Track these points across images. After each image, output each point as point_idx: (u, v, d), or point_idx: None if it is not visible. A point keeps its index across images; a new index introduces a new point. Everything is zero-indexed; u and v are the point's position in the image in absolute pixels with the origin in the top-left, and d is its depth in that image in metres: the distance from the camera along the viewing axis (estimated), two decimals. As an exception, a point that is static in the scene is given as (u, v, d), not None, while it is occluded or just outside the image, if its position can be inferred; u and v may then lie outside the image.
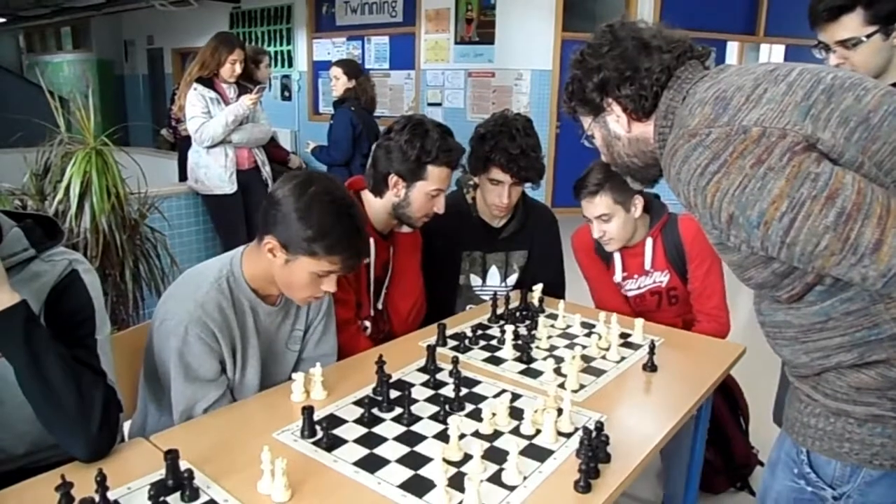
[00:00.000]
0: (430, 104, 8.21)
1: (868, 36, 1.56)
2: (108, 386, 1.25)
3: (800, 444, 1.10)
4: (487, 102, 7.65)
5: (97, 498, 1.02)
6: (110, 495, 1.06)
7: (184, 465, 1.14)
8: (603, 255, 2.23)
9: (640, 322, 1.88)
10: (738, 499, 2.42)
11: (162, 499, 1.07)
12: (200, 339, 1.39)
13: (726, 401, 2.36)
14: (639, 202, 2.07)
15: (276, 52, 9.83)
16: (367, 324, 2.01)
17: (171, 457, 1.13)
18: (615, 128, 1.19)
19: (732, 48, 8.02)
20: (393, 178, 1.87)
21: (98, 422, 1.19)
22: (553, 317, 1.99)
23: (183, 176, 4.09)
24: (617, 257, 2.18)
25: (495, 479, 1.18)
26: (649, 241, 2.14)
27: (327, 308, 1.68)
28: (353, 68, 4.36)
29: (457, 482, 1.14)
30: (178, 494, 1.10)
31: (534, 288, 2.11)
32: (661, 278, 2.17)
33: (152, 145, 7.97)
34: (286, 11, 9.56)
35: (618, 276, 2.20)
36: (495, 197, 2.10)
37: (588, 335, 1.87)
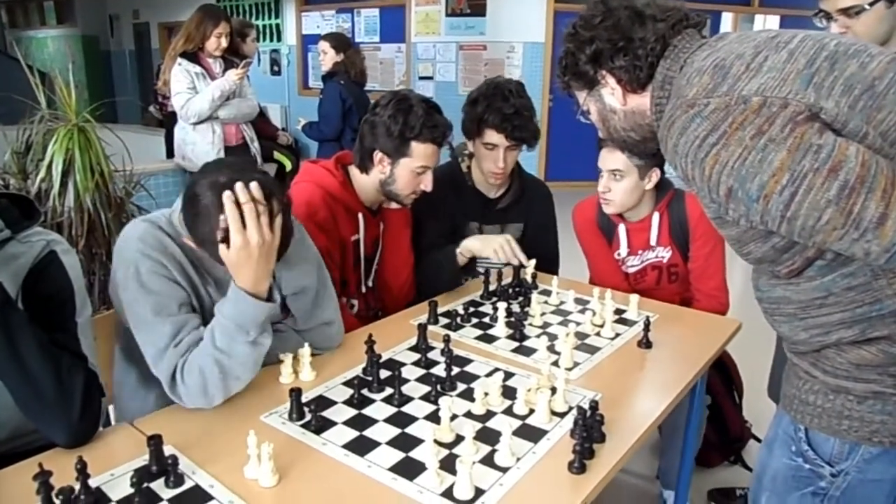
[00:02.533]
0: (421, 78, 8.11)
1: (871, 3, 1.51)
2: (88, 370, 1.21)
3: (798, 421, 1.08)
4: (479, 76, 7.55)
5: (77, 486, 0.99)
6: (92, 482, 1.03)
7: (168, 450, 1.11)
8: (605, 230, 2.19)
9: (635, 298, 1.85)
10: (731, 472, 2.42)
11: (145, 485, 1.03)
12: (154, 272, 1.31)
13: (720, 375, 2.35)
14: (655, 175, 2.03)
15: (264, 26, 9.67)
16: (354, 302, 1.98)
17: (155, 442, 1.10)
18: (610, 101, 1.16)
19: (727, 19, 7.94)
20: (378, 155, 1.83)
21: (79, 407, 1.16)
22: (546, 293, 1.96)
23: (171, 153, 4.02)
24: (622, 232, 2.15)
25: (488, 460, 1.15)
26: (656, 216, 2.10)
27: (318, 272, 1.57)
28: (341, 42, 4.27)
29: (448, 464, 1.12)
30: (161, 481, 1.07)
31: (526, 264, 2.08)
32: (664, 254, 2.14)
33: (140, 122, 7.86)
34: (274, -17, 9.40)
35: (622, 250, 2.16)
36: (491, 162, 2.06)
37: (582, 312, 1.84)
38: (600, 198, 2.08)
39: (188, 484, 1.08)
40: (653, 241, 2.12)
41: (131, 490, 1.02)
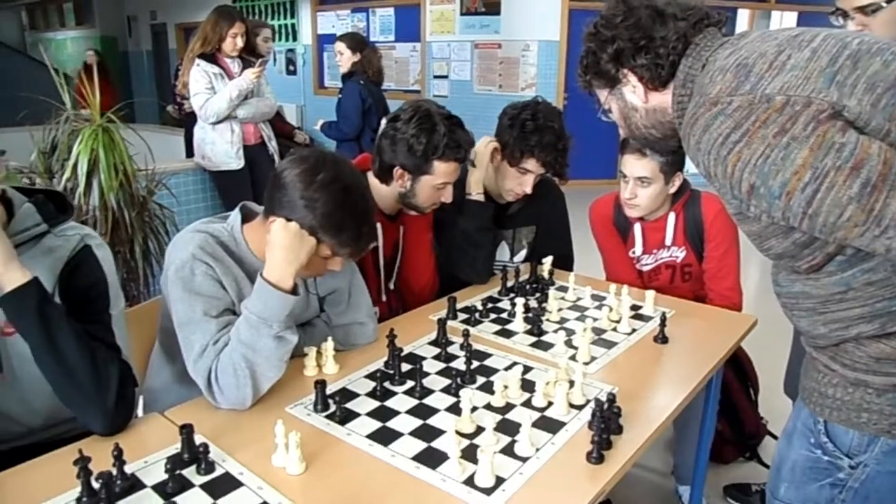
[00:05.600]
0: (435, 76, 8.14)
1: (888, 1, 1.51)
2: (122, 361, 1.26)
3: (817, 414, 1.09)
4: (494, 74, 7.57)
5: (114, 471, 1.03)
6: (127, 469, 1.07)
7: (199, 438, 1.15)
8: (621, 228, 2.21)
9: (651, 294, 1.87)
10: (746, 468, 2.43)
11: (178, 472, 1.08)
12: (207, 274, 1.36)
13: (736, 371, 2.36)
14: (678, 179, 2.03)
15: (280, 26, 9.74)
16: (375, 309, 1.99)
17: (187, 431, 1.14)
18: (632, 99, 1.17)
19: (743, 16, 7.89)
20: (398, 171, 1.82)
21: (114, 396, 1.20)
22: (563, 289, 1.99)
23: (190, 152, 4.07)
24: (637, 230, 2.16)
25: (508, 450, 1.18)
26: (672, 216, 2.11)
27: (350, 275, 1.63)
28: (356, 42, 4.30)
29: (470, 454, 1.15)
30: (193, 468, 1.11)
31: (544, 261, 2.10)
32: (678, 253, 2.15)
33: (158, 122, 7.95)
34: (289, -17, 9.46)
35: (637, 249, 2.18)
36: (517, 184, 2.07)
37: (599, 307, 1.86)
38: (625, 203, 2.07)
39: (219, 471, 1.12)
40: (668, 241, 2.13)
41: (165, 476, 1.06)
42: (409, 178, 1.82)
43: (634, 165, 1.98)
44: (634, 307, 1.84)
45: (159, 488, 1.06)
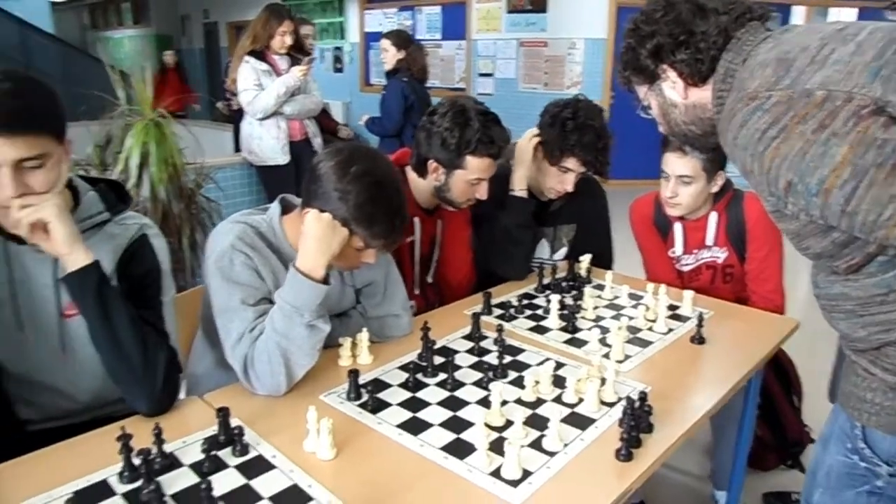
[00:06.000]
0: (481, 74, 8.15)
1: None
2: (170, 347, 1.31)
3: (855, 418, 1.07)
4: (539, 72, 7.53)
5: (154, 449, 1.08)
6: (166, 448, 1.12)
7: (234, 422, 1.19)
8: (661, 228, 2.18)
9: (689, 294, 1.84)
10: (788, 476, 2.37)
11: (213, 453, 1.12)
12: (245, 264, 1.39)
13: (778, 377, 2.31)
14: (721, 178, 2.00)
15: (328, 24, 9.88)
16: (412, 302, 2.01)
17: (223, 414, 1.17)
18: (671, 95, 1.16)
19: (798, 13, 7.65)
20: (432, 164, 1.84)
21: (161, 379, 1.25)
22: (600, 287, 1.97)
23: (237, 147, 4.18)
24: (678, 230, 2.13)
25: (536, 444, 1.19)
26: (713, 216, 2.08)
27: (386, 268, 1.66)
28: (401, 39, 4.34)
29: (498, 446, 1.16)
30: (229, 449, 1.15)
31: (581, 259, 2.09)
32: (719, 254, 2.12)
33: (209, 117, 8.15)
34: (338, -18, 9.59)
35: (677, 249, 2.15)
36: (557, 182, 2.06)
37: (635, 306, 1.84)
38: (665, 202, 2.05)
39: (252, 453, 1.15)
40: (709, 241, 2.09)
41: (202, 456, 1.10)
42: (443, 171, 1.84)
43: (676, 164, 1.95)
44: (672, 307, 1.82)
45: (196, 467, 1.10)
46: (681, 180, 1.96)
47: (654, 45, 1.12)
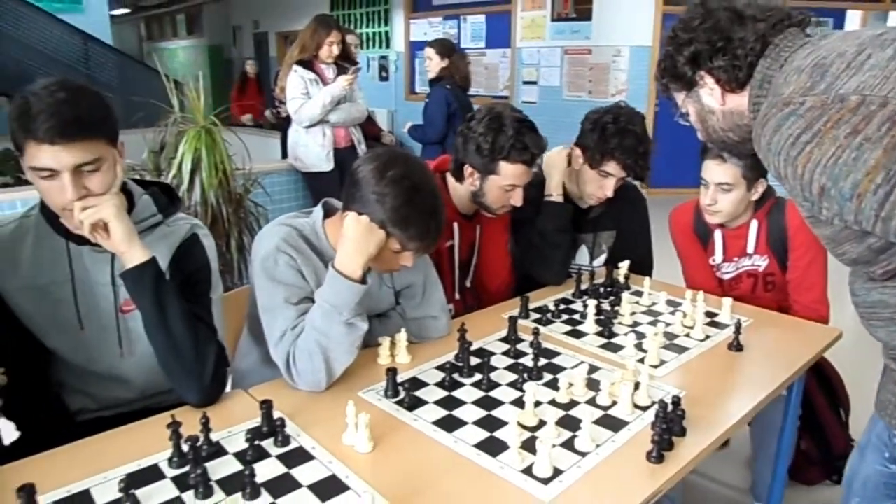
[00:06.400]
0: (525, 82, 8.16)
1: None
2: (219, 342, 1.38)
3: (893, 427, 1.06)
4: (584, 80, 7.51)
5: (201, 437, 1.13)
6: (213, 437, 1.17)
7: (277, 414, 1.24)
8: (701, 235, 2.17)
9: (728, 301, 1.83)
10: (833, 492, 2.32)
11: (257, 442, 1.17)
12: (289, 265, 1.45)
13: (823, 389, 2.26)
14: (761, 186, 1.98)
15: (373, 33, 10.04)
16: (450, 306, 2.04)
17: (266, 406, 1.23)
18: (709, 101, 1.17)
19: (853, 17, 7.44)
20: (468, 169, 1.88)
21: (211, 372, 1.32)
22: (638, 294, 1.98)
23: (284, 154, 4.29)
24: (718, 238, 2.12)
25: (568, 444, 1.21)
26: (754, 224, 2.06)
27: (425, 271, 1.70)
28: (445, 48, 4.40)
29: (530, 445, 1.18)
30: (271, 440, 1.20)
31: (620, 265, 2.10)
32: (760, 262, 2.10)
33: (257, 125, 8.36)
34: (385, -8, 9.74)
35: (717, 256, 2.14)
36: (597, 188, 2.06)
37: (672, 313, 1.84)
38: (705, 210, 2.04)
39: (294, 444, 1.20)
40: (749, 249, 2.07)
41: (245, 445, 1.15)
42: (477, 176, 1.87)
43: (715, 171, 1.94)
44: (710, 314, 1.81)
45: (240, 455, 1.16)
46: (720, 188, 1.95)
47: (691, 52, 1.13)
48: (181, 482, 1.09)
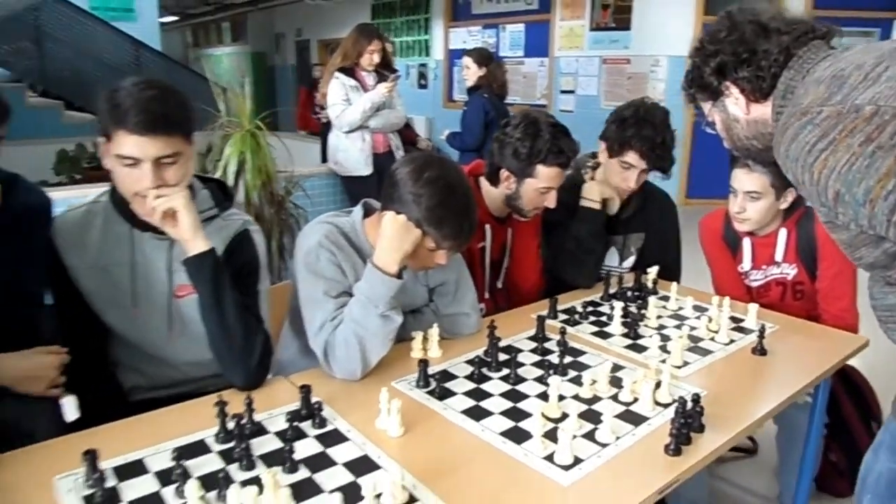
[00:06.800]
0: (562, 91, 8.20)
1: None
2: (265, 330, 1.48)
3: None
4: (622, 90, 7.51)
5: (245, 417, 1.22)
6: (255, 417, 1.26)
7: (315, 399, 1.32)
8: (730, 243, 2.20)
9: (753, 307, 1.86)
10: None
11: (296, 424, 1.25)
12: (329, 260, 1.54)
13: (853, 399, 2.25)
14: (791, 195, 2.01)
15: (413, 42, 10.19)
16: (482, 305, 2.11)
17: (305, 390, 1.31)
18: (734, 110, 1.21)
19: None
20: (504, 173, 1.95)
21: (257, 358, 1.42)
22: (665, 298, 2.02)
23: (325, 158, 4.41)
24: (746, 245, 2.15)
25: (589, 436, 1.27)
26: (783, 232, 2.08)
27: (458, 270, 1.78)
28: (482, 56, 4.47)
29: (552, 435, 1.24)
30: (309, 422, 1.29)
31: (649, 270, 2.14)
32: (789, 270, 2.11)
33: (298, 130, 8.55)
34: (425, 1, 9.88)
35: (745, 264, 2.16)
36: (621, 180, 2.13)
37: (698, 318, 1.88)
38: (733, 217, 2.07)
39: (330, 427, 1.28)
40: (778, 257, 2.10)
41: (285, 426, 1.24)
42: (514, 180, 1.94)
43: (743, 179, 1.98)
44: (736, 319, 1.84)
45: (280, 435, 1.24)
46: (748, 196, 1.98)
47: (717, 63, 1.18)
48: (226, 456, 1.18)
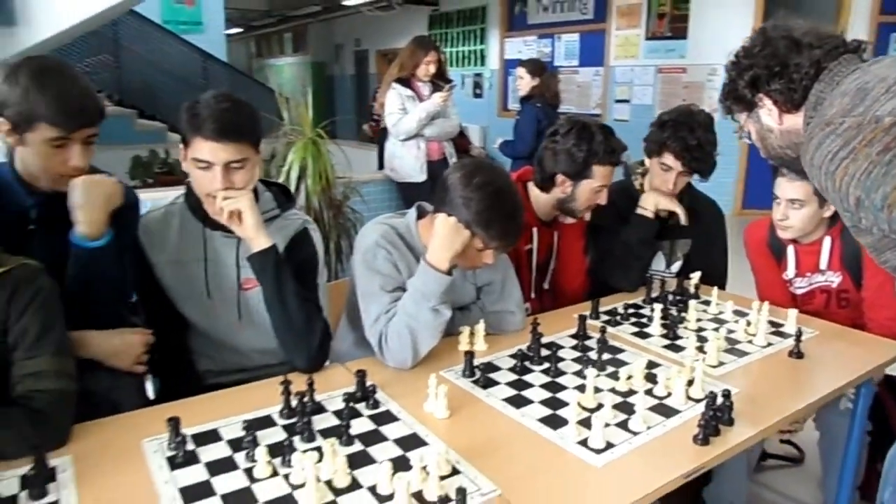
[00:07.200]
0: (617, 101, 8.19)
1: None
2: (324, 318, 1.62)
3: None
4: (677, 99, 7.45)
5: (307, 395, 1.36)
6: (315, 397, 1.39)
7: (369, 383, 1.45)
8: (775, 251, 2.23)
9: (793, 312, 1.90)
10: (909, 514, 2.29)
11: (352, 405, 1.38)
12: (386, 258, 1.67)
13: (900, 407, 2.25)
14: None
15: (469, 51, 10.34)
16: (527, 305, 2.20)
17: (361, 374, 1.44)
18: (767, 121, 1.28)
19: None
20: (560, 178, 2.05)
21: (318, 343, 1.56)
22: (706, 303, 2.07)
23: (381, 165, 4.58)
24: (791, 253, 2.18)
25: (621, 424, 1.35)
26: (827, 240, 2.11)
27: (504, 270, 1.89)
28: (536, 67, 4.58)
29: (587, 423, 1.33)
30: (364, 403, 1.41)
31: (692, 276, 2.19)
32: (833, 278, 2.14)
33: (356, 138, 8.80)
34: (481, 12, 10.02)
35: (790, 271, 2.19)
36: (661, 182, 2.21)
37: (737, 322, 1.92)
38: (777, 225, 2.11)
39: (382, 408, 1.41)
40: (822, 265, 2.12)
41: (342, 406, 1.37)
42: (570, 184, 2.04)
43: (786, 187, 2.02)
44: (775, 324, 1.88)
45: (337, 413, 1.37)
46: (791, 204, 2.03)
47: (751, 76, 1.26)
48: (289, 429, 1.31)
